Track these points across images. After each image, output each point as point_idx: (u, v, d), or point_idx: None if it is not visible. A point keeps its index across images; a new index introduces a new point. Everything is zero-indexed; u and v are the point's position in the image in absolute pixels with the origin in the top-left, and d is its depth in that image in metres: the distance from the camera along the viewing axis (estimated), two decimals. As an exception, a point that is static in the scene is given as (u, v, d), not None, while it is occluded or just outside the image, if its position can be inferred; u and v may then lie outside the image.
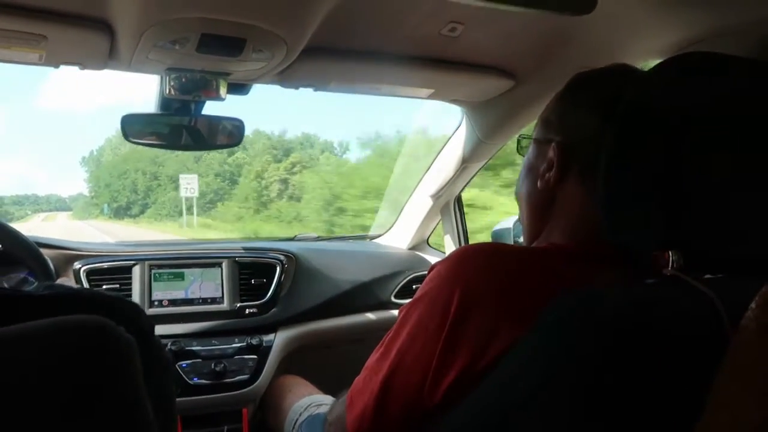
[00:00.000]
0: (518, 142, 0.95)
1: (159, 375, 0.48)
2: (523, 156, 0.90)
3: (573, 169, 0.78)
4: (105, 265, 1.55)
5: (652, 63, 0.79)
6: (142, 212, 38.96)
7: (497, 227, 1.81)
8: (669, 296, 0.60)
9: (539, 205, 0.83)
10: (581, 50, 1.19)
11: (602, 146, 0.66)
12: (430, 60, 1.28)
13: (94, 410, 0.36)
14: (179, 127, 1.36)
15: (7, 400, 0.32)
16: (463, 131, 1.70)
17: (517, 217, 1.68)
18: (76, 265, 1.53)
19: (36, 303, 0.44)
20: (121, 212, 41.27)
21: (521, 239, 0.98)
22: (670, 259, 0.63)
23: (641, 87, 0.65)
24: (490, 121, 1.58)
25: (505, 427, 0.61)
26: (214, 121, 1.39)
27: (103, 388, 0.36)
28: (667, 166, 0.60)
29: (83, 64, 1.12)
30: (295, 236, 2.15)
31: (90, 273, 1.52)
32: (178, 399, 1.42)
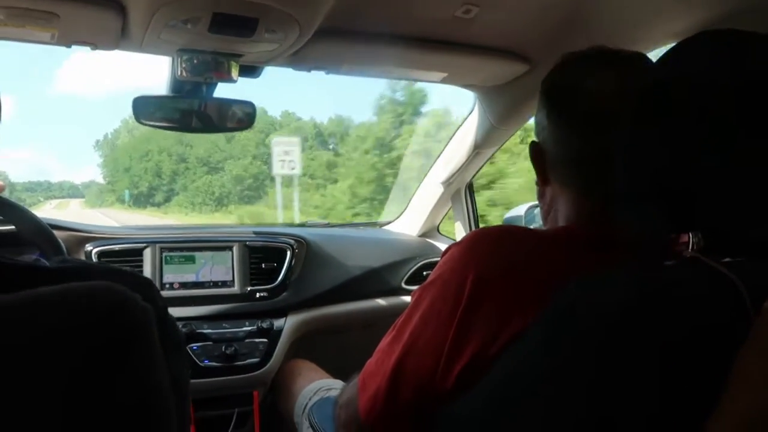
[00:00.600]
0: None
1: (173, 352, 0.48)
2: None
3: (552, 168, 0.81)
4: (116, 247, 1.55)
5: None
6: (167, 200, 35.60)
7: (508, 215, 1.80)
8: (688, 278, 0.59)
9: (544, 195, 0.84)
10: (594, 35, 1.17)
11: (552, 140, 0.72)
12: (443, 43, 1.27)
13: (109, 375, 0.35)
14: (190, 109, 1.36)
15: (20, 362, 0.32)
16: (475, 116, 1.69)
17: (528, 205, 1.67)
18: (88, 247, 1.53)
19: (51, 273, 0.44)
20: (142, 200, 37.44)
21: (532, 227, 0.97)
22: (690, 241, 0.62)
23: (656, 67, 0.64)
24: (503, 106, 1.56)
25: (516, 414, 0.61)
26: (226, 104, 1.39)
27: (119, 352, 0.36)
28: (686, 146, 0.59)
29: (95, 44, 1.12)
30: (306, 222, 2.16)
31: (101, 255, 1.52)
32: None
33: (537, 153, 0.81)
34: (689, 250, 0.61)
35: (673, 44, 0.63)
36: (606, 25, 1.13)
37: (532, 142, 0.82)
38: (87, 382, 0.34)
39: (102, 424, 0.34)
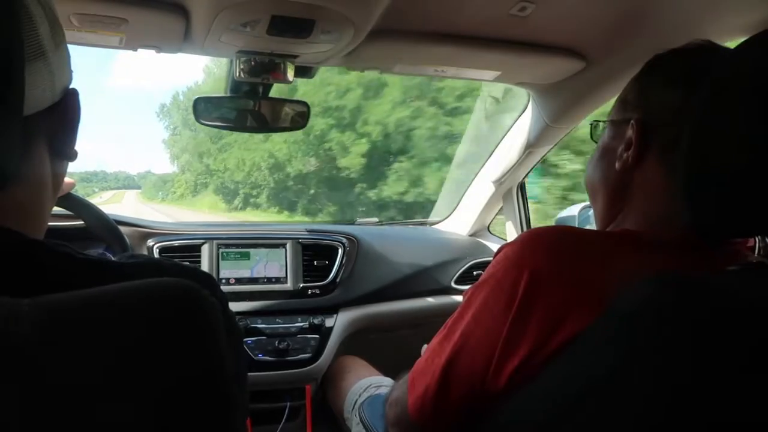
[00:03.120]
0: (593, 127, 0.92)
1: (235, 345, 0.50)
2: (596, 142, 0.88)
3: (653, 148, 0.74)
4: (176, 243, 1.61)
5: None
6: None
7: (561, 215, 1.77)
8: (754, 283, 0.57)
9: (617, 188, 0.80)
10: (657, 30, 1.14)
11: (685, 123, 0.63)
12: (497, 41, 1.25)
13: (181, 372, 0.37)
14: (245, 108, 1.39)
15: (95, 361, 0.34)
16: (528, 115, 1.66)
17: (582, 205, 1.64)
18: (150, 242, 1.60)
19: (122, 269, 0.46)
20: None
21: (587, 228, 0.95)
22: (757, 245, 0.59)
23: (730, 61, 0.61)
24: (557, 105, 1.54)
25: (574, 416, 0.60)
26: (280, 103, 1.42)
27: (195, 346, 0.38)
28: (755, 145, 0.57)
29: (160, 47, 1.16)
30: (356, 220, 2.17)
31: (162, 250, 1.59)
32: (243, 374, 1.47)
33: (642, 128, 0.76)
34: (755, 255, 0.59)
35: (743, 38, 0.61)
36: (669, 19, 1.10)
37: (636, 119, 0.76)
38: (167, 370, 0.36)
39: (184, 416, 0.36)
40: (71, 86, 0.52)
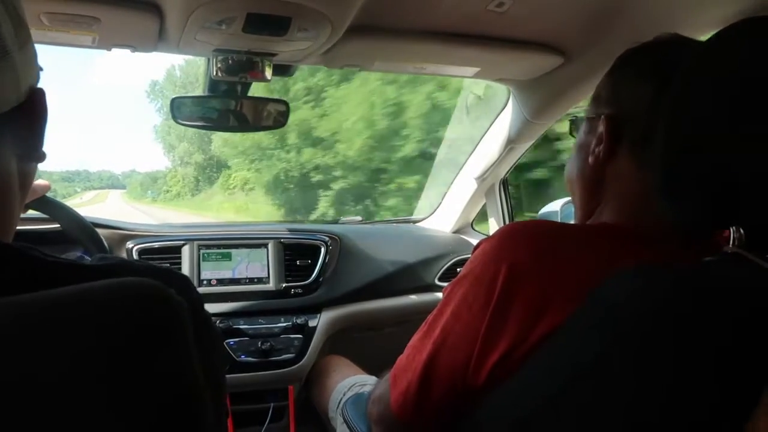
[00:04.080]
0: (571, 123, 0.93)
1: (208, 346, 0.49)
2: (575, 137, 0.88)
3: (624, 142, 0.75)
4: (156, 244, 1.59)
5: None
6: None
7: (543, 210, 1.78)
8: (729, 274, 0.57)
9: (591, 182, 0.80)
10: (634, 25, 1.14)
11: (656, 116, 0.64)
12: (475, 37, 1.25)
13: (144, 366, 0.36)
14: (227, 108, 1.38)
15: (57, 359, 0.33)
16: (509, 111, 1.67)
17: (564, 200, 1.65)
18: (129, 244, 1.58)
19: (92, 271, 0.45)
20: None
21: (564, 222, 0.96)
22: (732, 236, 0.60)
23: (702, 53, 0.61)
24: (538, 100, 1.54)
25: (553, 410, 0.60)
26: (261, 102, 1.41)
27: (153, 344, 0.37)
28: (728, 136, 0.57)
29: (134, 46, 1.15)
30: (339, 219, 2.17)
31: (142, 252, 1.57)
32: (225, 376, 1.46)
33: (612, 123, 0.77)
34: (730, 246, 0.60)
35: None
36: (646, 14, 1.10)
37: (606, 114, 0.77)
38: (123, 374, 0.35)
39: (139, 414, 0.35)
40: (38, 86, 0.51)
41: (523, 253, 0.68)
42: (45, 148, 0.53)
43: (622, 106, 0.76)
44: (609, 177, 0.77)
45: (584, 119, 0.84)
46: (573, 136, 0.90)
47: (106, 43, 1.12)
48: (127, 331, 0.36)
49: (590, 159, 0.79)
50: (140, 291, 0.38)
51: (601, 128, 0.77)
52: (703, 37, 0.68)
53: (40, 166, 0.56)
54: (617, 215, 0.75)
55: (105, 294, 0.37)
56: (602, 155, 0.77)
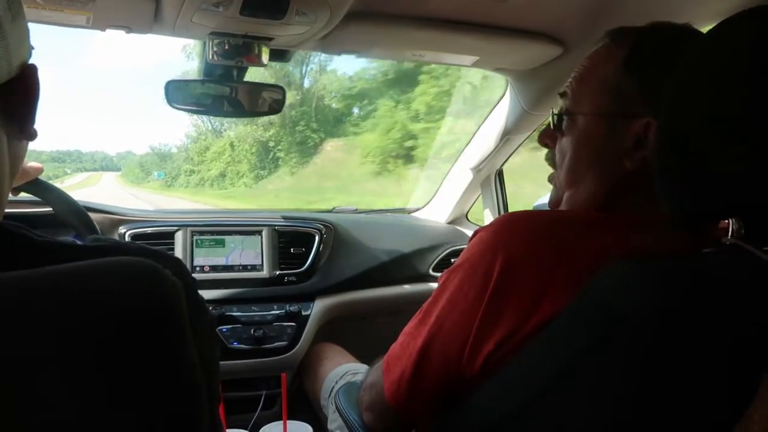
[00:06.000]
0: (560, 117, 0.82)
1: (202, 330, 0.48)
2: (560, 130, 0.82)
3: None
4: (149, 230, 1.58)
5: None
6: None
7: (538, 202, 1.78)
8: (727, 265, 0.57)
9: (616, 182, 0.75)
10: (635, 16, 1.13)
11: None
12: (475, 25, 1.24)
13: (140, 345, 0.35)
14: (222, 94, 1.37)
15: (52, 331, 0.33)
16: (506, 101, 1.66)
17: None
18: (121, 229, 1.57)
19: (83, 251, 0.45)
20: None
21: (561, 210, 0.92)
22: (731, 227, 0.60)
23: (704, 44, 0.61)
24: (535, 91, 1.54)
25: (548, 399, 0.60)
26: (256, 88, 1.39)
27: (150, 324, 0.36)
28: (730, 127, 0.57)
29: (129, 28, 1.13)
30: (334, 208, 2.16)
31: (134, 237, 1.55)
32: (218, 362, 1.46)
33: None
34: (728, 237, 0.59)
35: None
36: (647, 5, 1.10)
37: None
38: (118, 351, 0.34)
39: (132, 392, 0.35)
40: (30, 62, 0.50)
41: (520, 243, 0.67)
42: (38, 127, 0.52)
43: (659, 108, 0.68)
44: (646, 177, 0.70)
45: (591, 114, 0.78)
46: (557, 129, 0.83)
47: (101, 23, 1.10)
48: (120, 311, 0.35)
49: (627, 163, 0.73)
50: (135, 270, 0.37)
51: (642, 130, 0.71)
52: (704, 30, 0.67)
53: (30, 145, 0.55)
54: (617, 207, 0.75)
55: (98, 273, 0.36)
56: (645, 161, 0.71)
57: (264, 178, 20.29)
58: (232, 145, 22.22)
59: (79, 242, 0.50)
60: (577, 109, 0.79)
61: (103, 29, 1.13)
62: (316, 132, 17.47)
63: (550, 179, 0.87)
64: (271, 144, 19.50)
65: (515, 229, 0.70)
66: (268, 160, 19.97)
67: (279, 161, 19.40)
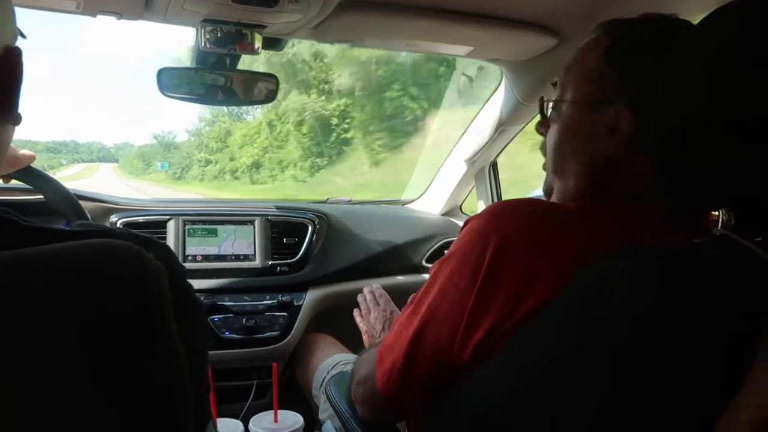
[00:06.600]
0: (549, 105, 0.84)
1: (189, 317, 0.48)
2: (549, 119, 0.83)
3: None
4: (140, 219, 1.57)
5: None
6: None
7: (534, 193, 1.77)
8: (717, 256, 0.57)
9: (591, 168, 0.76)
10: (630, 7, 1.13)
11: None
12: (469, 15, 1.23)
13: (119, 330, 0.35)
14: (215, 82, 1.36)
15: (34, 311, 0.32)
16: (501, 93, 1.65)
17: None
18: (113, 218, 1.56)
19: (68, 235, 0.44)
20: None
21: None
22: (721, 218, 0.60)
23: (695, 34, 0.61)
24: (530, 82, 1.53)
25: (537, 387, 0.60)
26: (250, 77, 1.38)
27: (130, 308, 0.36)
28: (722, 118, 0.56)
29: (120, 14, 1.12)
30: (327, 199, 2.15)
31: (126, 226, 1.55)
32: (209, 352, 1.45)
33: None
34: (718, 228, 0.59)
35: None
36: None
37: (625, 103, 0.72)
38: (100, 331, 0.34)
39: (117, 375, 0.34)
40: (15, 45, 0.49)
41: (512, 229, 0.67)
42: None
43: (634, 96, 0.71)
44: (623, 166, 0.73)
45: (574, 103, 0.78)
46: (544, 116, 0.84)
47: (91, 8, 1.09)
48: (102, 292, 0.35)
49: (603, 150, 0.74)
50: (116, 251, 0.37)
51: (613, 118, 0.72)
52: (698, 20, 0.67)
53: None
54: (606, 196, 0.75)
55: (79, 254, 0.36)
56: (624, 149, 0.72)
57: (322, 169, 14.38)
58: (270, 124, 16.67)
59: (66, 228, 0.50)
60: (563, 97, 0.80)
61: (93, 15, 1.12)
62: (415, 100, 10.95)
63: (545, 167, 0.87)
64: (334, 121, 13.40)
65: (507, 216, 0.70)
66: (328, 144, 14.01)
67: (348, 143, 13.30)
